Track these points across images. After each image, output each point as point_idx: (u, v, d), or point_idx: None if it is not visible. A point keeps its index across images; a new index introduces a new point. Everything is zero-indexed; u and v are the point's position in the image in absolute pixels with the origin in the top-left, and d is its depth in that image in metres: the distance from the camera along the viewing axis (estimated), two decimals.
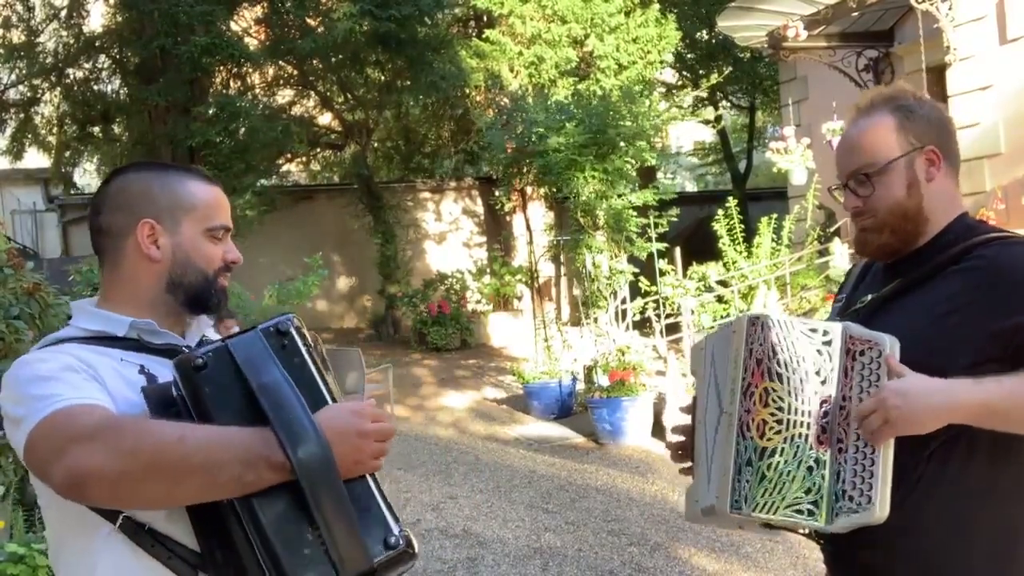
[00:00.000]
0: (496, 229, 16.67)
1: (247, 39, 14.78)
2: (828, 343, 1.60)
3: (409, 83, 14.12)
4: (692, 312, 9.93)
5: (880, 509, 1.51)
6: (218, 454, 1.30)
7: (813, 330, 1.62)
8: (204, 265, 1.60)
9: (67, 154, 15.43)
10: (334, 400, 1.43)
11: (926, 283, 1.71)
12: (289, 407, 1.33)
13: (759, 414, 1.59)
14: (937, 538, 1.65)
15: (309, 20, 14.17)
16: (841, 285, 2.01)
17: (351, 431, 1.36)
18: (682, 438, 1.89)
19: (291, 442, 1.30)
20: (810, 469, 1.56)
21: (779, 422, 1.58)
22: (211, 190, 1.64)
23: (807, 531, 1.68)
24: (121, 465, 1.29)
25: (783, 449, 1.56)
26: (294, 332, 1.44)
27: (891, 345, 1.58)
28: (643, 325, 11.00)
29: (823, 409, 1.58)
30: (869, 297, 1.79)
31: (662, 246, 10.47)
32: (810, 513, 1.55)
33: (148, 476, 1.30)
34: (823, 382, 1.59)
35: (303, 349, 1.43)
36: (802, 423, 1.57)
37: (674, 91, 19.94)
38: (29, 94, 15.14)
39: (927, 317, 1.67)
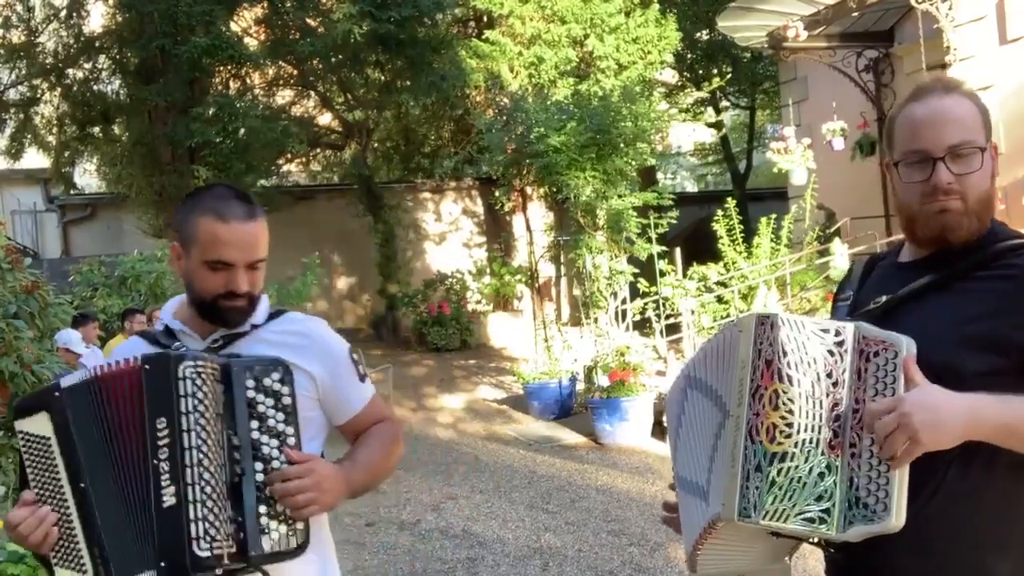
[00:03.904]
0: (496, 229, 16.66)
1: (247, 39, 14.78)
2: (840, 343, 1.53)
3: (409, 83, 14.11)
4: (692, 312, 9.93)
5: (897, 518, 1.44)
6: None
7: (824, 330, 1.55)
8: (202, 290, 1.88)
9: (67, 154, 15.40)
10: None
11: (950, 285, 1.63)
12: None
13: (769, 417, 1.52)
14: (958, 549, 1.57)
15: (309, 20, 14.17)
16: (841, 284, 1.92)
17: None
18: (674, 514, 1.80)
19: None
20: (821, 475, 1.50)
21: (789, 425, 1.51)
22: (214, 226, 1.86)
23: (817, 539, 1.60)
24: None
25: (794, 454, 1.50)
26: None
27: (908, 347, 1.49)
28: (643, 325, 11.00)
29: (835, 413, 1.51)
30: (884, 298, 1.69)
31: (662, 248, 10.47)
32: (821, 521, 1.49)
33: None
34: (835, 384, 1.52)
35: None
36: (814, 427, 1.51)
37: (674, 92, 19.94)
38: (29, 94, 15.13)
39: (949, 321, 1.58)
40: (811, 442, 1.50)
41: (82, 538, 1.72)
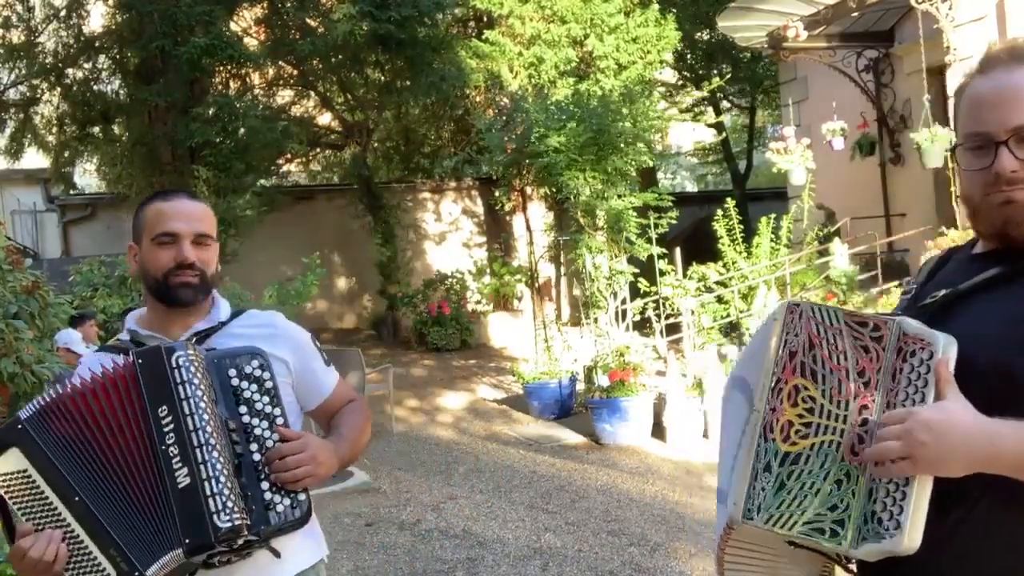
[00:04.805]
0: (496, 229, 16.66)
1: (247, 39, 14.78)
2: (878, 339, 1.37)
3: (409, 83, 14.11)
4: (692, 312, 9.94)
5: (909, 538, 1.28)
6: None
7: (862, 323, 1.40)
8: (153, 270, 1.99)
9: (67, 154, 15.39)
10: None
11: (1016, 280, 1.44)
12: None
13: (786, 414, 1.39)
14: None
15: (309, 20, 14.17)
16: (910, 277, 1.76)
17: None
18: None
19: None
20: (839, 483, 1.35)
21: (807, 425, 1.38)
22: (157, 205, 2.02)
23: (834, 554, 1.44)
24: None
25: (808, 457, 1.37)
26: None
27: (945, 347, 1.33)
28: (643, 325, 11.00)
29: (863, 416, 1.35)
30: (942, 292, 1.50)
31: (661, 250, 10.47)
32: (833, 534, 1.34)
33: None
34: (866, 384, 1.36)
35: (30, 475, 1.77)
36: (835, 429, 1.37)
37: (674, 91, 19.92)
38: (29, 94, 15.12)
39: (1007, 318, 1.39)
40: (830, 445, 1.37)
41: (93, 546, 1.73)
